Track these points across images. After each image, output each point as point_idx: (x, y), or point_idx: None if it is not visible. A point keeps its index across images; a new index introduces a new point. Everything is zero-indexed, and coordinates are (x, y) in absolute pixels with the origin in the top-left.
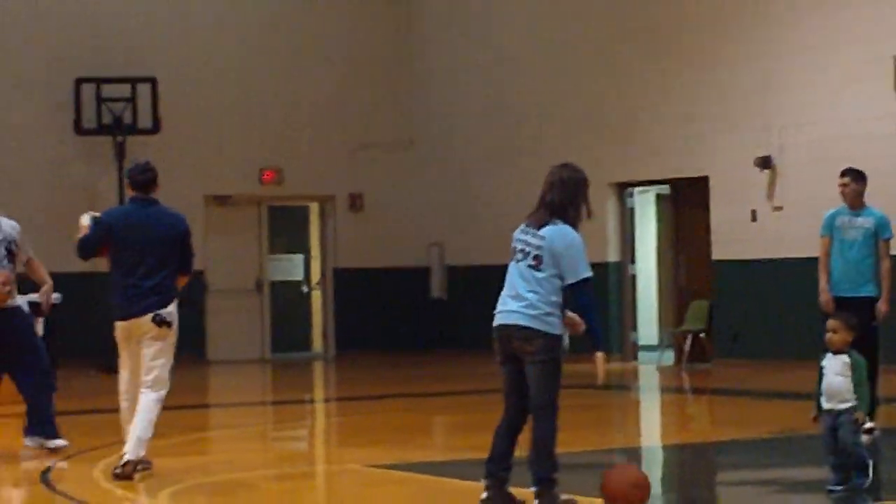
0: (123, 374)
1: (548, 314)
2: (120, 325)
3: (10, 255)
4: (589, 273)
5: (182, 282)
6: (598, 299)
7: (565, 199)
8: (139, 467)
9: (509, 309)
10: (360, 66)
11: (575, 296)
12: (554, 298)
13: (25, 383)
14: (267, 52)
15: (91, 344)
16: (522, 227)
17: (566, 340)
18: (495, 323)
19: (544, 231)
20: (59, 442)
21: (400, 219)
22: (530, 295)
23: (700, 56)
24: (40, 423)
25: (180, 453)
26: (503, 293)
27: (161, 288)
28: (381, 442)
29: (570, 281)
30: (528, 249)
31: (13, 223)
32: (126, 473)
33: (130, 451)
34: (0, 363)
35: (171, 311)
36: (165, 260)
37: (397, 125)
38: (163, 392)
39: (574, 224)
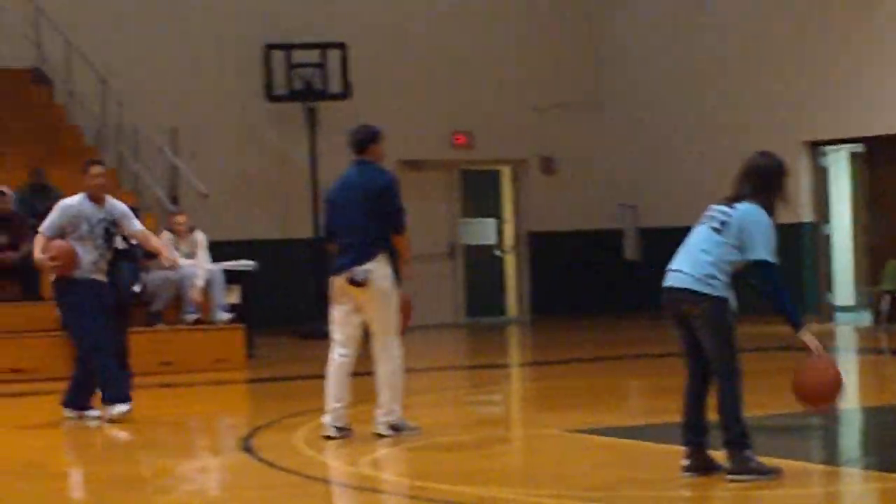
0: (333, 332)
1: (712, 276)
2: (331, 281)
3: (108, 235)
4: (769, 257)
5: (399, 242)
6: (791, 263)
7: (759, 187)
8: (341, 434)
9: (676, 268)
10: (550, 28)
11: (759, 280)
12: (724, 265)
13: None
14: (456, 15)
15: (287, 310)
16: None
17: (734, 303)
18: (664, 284)
19: (738, 205)
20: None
21: (592, 181)
22: (701, 255)
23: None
24: (81, 394)
25: None
26: (679, 251)
27: (360, 245)
28: (578, 406)
29: (752, 257)
30: (717, 215)
31: (121, 205)
32: (393, 426)
33: (389, 410)
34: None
35: (367, 268)
36: (366, 216)
37: (587, 86)
38: (393, 353)
39: (769, 210)
